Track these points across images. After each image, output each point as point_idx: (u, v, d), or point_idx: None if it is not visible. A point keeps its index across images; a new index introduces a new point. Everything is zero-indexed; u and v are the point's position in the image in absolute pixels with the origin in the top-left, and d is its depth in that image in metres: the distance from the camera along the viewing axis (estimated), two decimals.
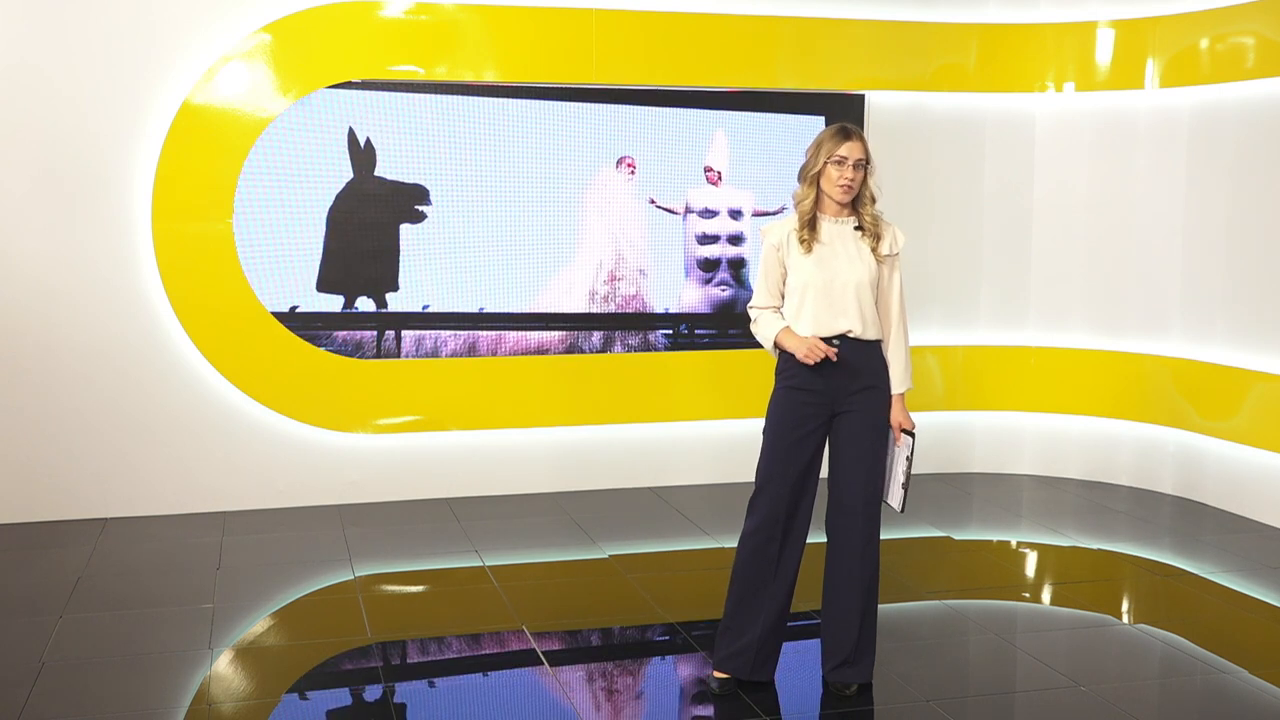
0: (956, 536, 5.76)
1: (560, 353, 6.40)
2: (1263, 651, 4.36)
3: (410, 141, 6.09)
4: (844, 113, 6.52)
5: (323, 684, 4.01)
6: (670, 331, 6.57)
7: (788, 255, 3.80)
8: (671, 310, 6.56)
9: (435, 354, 6.22)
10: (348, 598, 4.79)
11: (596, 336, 6.46)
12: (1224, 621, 4.70)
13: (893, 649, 4.19)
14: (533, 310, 6.36)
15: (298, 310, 6.02)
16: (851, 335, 3.75)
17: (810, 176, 3.77)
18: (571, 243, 6.39)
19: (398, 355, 6.17)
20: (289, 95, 5.84)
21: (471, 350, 6.27)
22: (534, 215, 6.31)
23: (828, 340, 3.74)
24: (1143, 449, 6.62)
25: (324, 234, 6.02)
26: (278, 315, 5.98)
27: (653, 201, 6.45)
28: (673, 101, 6.43)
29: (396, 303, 6.15)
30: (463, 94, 6.12)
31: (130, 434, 5.87)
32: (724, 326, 6.62)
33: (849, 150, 3.71)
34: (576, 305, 6.42)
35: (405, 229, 6.13)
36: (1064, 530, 5.83)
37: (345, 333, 6.10)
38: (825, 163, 3.73)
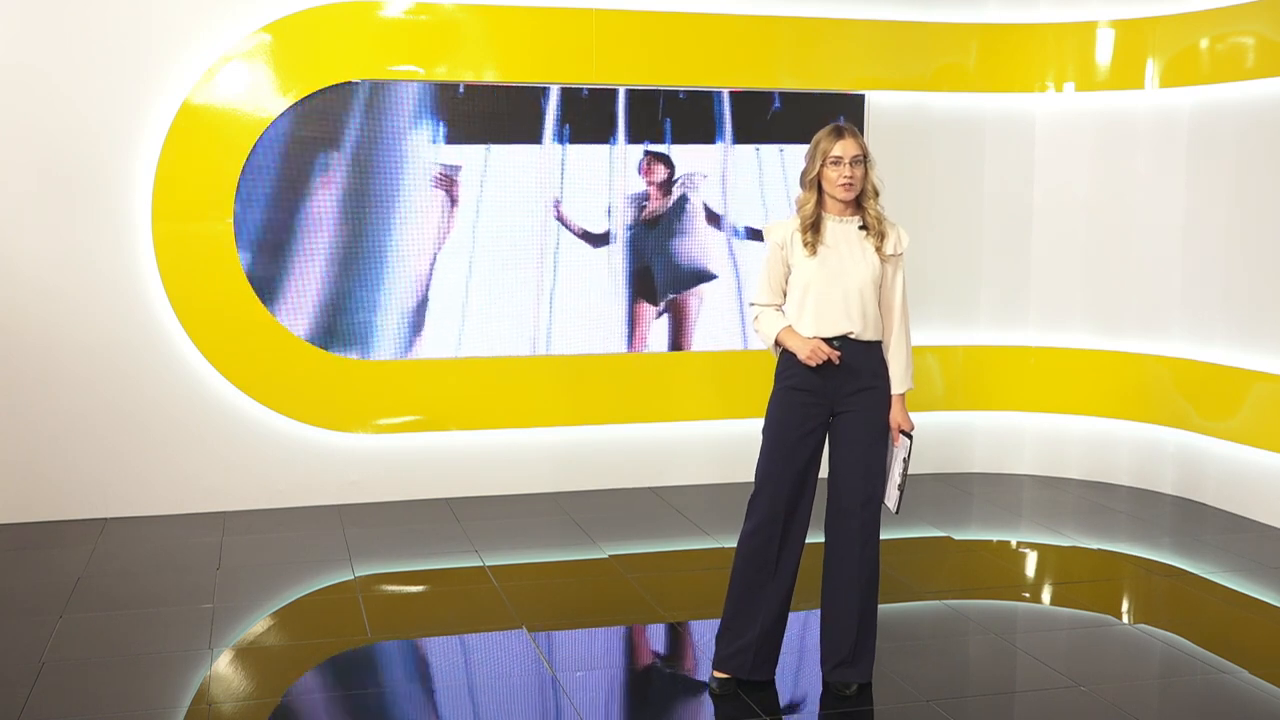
0: (956, 536, 5.76)
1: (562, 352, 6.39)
2: (1263, 651, 4.36)
3: None
4: (844, 113, 6.52)
5: (323, 684, 4.01)
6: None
7: (791, 254, 3.79)
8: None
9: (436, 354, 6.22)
10: (348, 598, 4.79)
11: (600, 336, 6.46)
12: (1224, 621, 4.70)
13: (893, 649, 4.19)
14: None
15: None
16: (852, 336, 3.75)
17: (810, 180, 3.76)
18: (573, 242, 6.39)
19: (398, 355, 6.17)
20: (289, 95, 5.84)
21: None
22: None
23: (829, 341, 3.74)
24: (1143, 449, 6.62)
25: None
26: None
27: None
28: None
29: None
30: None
31: (130, 434, 5.87)
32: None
33: (844, 149, 3.70)
34: None
35: None
36: (1064, 530, 5.83)
37: None
38: (822, 165, 3.72)
